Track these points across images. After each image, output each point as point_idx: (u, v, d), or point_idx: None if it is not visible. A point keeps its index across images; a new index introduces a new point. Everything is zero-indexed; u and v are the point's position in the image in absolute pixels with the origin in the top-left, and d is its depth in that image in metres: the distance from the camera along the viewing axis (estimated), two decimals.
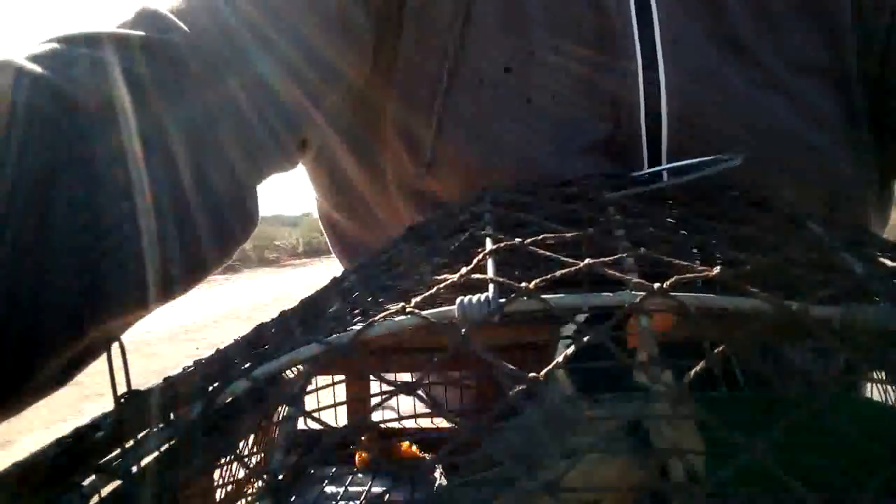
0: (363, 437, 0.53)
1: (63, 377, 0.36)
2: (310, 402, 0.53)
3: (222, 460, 0.30)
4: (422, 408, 0.63)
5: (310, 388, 0.50)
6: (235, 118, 0.44)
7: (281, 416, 0.43)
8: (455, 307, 0.23)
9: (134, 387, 0.30)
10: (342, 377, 0.53)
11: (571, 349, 0.22)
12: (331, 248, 0.73)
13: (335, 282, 0.34)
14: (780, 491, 0.26)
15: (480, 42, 0.55)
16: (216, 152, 0.42)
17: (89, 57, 0.37)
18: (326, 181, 0.67)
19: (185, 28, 0.43)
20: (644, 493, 0.26)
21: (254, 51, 0.47)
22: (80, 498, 0.25)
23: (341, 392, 0.54)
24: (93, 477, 0.26)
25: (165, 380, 0.30)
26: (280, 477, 0.21)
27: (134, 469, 0.27)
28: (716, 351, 0.22)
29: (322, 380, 0.53)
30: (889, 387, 0.51)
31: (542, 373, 0.22)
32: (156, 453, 0.26)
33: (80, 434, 0.29)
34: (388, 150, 0.59)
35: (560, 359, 0.22)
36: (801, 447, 0.27)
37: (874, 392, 0.55)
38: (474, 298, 0.23)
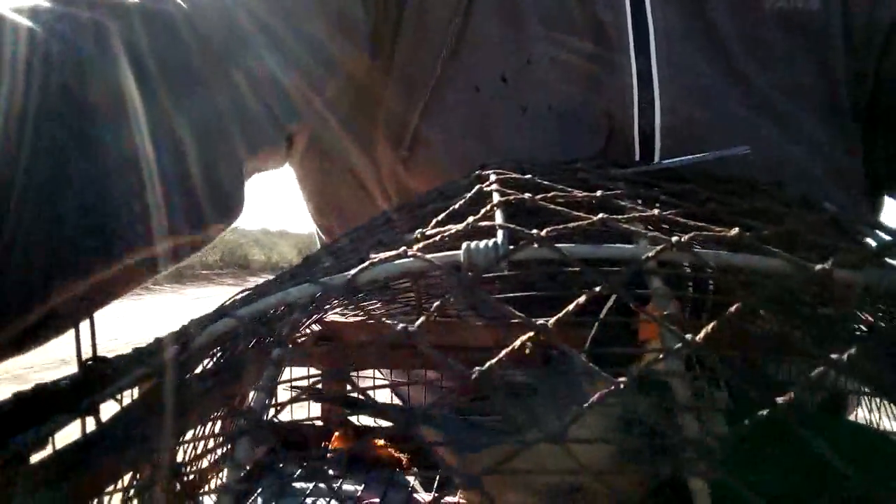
0: (336, 434, 0.50)
1: (24, 341, 0.34)
2: (282, 395, 0.51)
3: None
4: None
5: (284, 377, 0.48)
6: (237, 103, 0.43)
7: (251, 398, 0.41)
8: (461, 252, 0.22)
9: None
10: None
11: (583, 298, 0.21)
12: None
13: (327, 245, 0.32)
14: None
15: (477, 46, 0.55)
16: (221, 136, 0.41)
17: (93, 26, 0.36)
18: (316, 180, 0.66)
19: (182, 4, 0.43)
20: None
21: (254, 34, 0.46)
22: (38, 439, 0.23)
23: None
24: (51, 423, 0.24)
25: (156, 339, 0.28)
26: (268, 413, 0.19)
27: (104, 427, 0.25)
28: (733, 308, 0.20)
29: (298, 371, 0.50)
30: (877, 408, 0.51)
31: (552, 320, 0.21)
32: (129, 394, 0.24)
33: (39, 389, 0.27)
34: (379, 142, 0.58)
35: (571, 307, 0.21)
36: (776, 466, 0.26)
37: (861, 415, 0.55)
38: (482, 243, 0.22)
